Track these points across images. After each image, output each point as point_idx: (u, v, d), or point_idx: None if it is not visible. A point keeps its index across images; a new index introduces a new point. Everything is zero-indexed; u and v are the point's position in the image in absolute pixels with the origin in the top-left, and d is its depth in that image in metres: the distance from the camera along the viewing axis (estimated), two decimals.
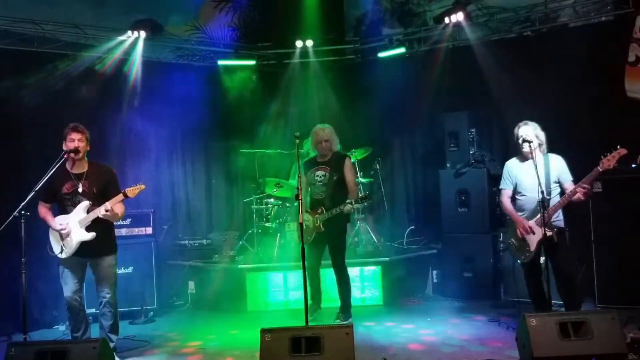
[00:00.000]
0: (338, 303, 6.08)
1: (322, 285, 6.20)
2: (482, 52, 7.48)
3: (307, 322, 4.49)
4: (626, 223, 5.72)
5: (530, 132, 4.99)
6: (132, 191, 4.82)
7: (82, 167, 4.92)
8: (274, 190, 7.38)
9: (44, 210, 4.92)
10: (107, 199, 4.83)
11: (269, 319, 6.15)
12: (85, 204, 4.84)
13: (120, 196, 4.82)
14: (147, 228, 6.75)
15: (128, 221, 6.61)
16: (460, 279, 6.96)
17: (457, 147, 7.24)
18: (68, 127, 4.85)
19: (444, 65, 7.87)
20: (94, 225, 4.83)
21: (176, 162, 8.37)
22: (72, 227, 4.81)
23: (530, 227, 4.93)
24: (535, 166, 4.81)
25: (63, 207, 4.90)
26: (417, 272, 7.28)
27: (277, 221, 7.25)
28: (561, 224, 5.00)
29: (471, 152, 7.14)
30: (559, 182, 5.00)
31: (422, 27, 8.30)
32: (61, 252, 4.85)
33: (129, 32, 7.25)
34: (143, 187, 4.88)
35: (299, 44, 8.18)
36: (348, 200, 5.79)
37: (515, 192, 5.17)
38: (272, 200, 7.41)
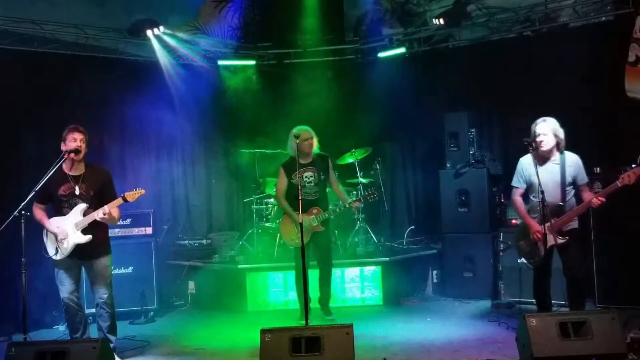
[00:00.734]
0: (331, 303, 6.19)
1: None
2: (482, 52, 7.47)
3: (307, 322, 4.49)
4: (626, 223, 5.72)
5: (547, 129, 4.82)
6: (131, 195, 4.81)
7: (80, 169, 4.91)
8: (274, 190, 7.38)
9: (39, 212, 4.90)
10: (104, 202, 4.82)
11: (269, 319, 6.14)
12: (82, 206, 4.82)
13: (119, 200, 4.81)
14: (147, 228, 6.74)
15: (128, 221, 6.60)
16: (460, 279, 6.96)
17: (457, 147, 7.23)
18: (68, 128, 4.84)
19: (444, 65, 7.88)
20: (90, 228, 4.82)
21: (176, 162, 8.36)
22: (68, 230, 4.80)
23: (542, 234, 4.76)
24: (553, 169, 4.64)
25: (59, 208, 4.87)
26: (417, 272, 7.28)
27: (277, 221, 7.23)
28: (575, 224, 4.90)
29: (471, 152, 7.14)
30: (574, 182, 4.87)
31: (422, 27, 8.30)
32: (56, 254, 4.84)
33: (148, 32, 7.25)
34: (143, 192, 4.86)
35: (299, 43, 8.18)
36: (354, 198, 5.99)
37: (528, 191, 5.01)
38: (272, 200, 7.42)
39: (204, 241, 7.94)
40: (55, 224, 4.82)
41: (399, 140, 8.58)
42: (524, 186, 5.03)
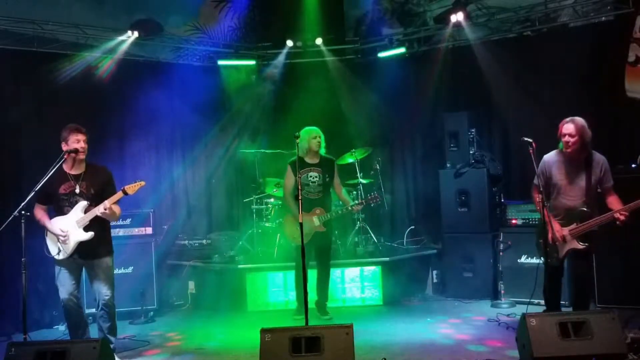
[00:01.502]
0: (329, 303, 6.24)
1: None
2: (482, 52, 7.48)
3: (307, 322, 4.49)
4: (626, 223, 5.70)
5: (574, 129, 4.68)
6: (131, 188, 4.79)
7: (81, 168, 4.91)
8: (274, 190, 7.39)
9: (40, 213, 4.89)
10: (104, 200, 4.82)
11: (269, 319, 6.14)
12: (82, 204, 4.82)
13: (119, 194, 4.80)
14: (147, 228, 6.74)
15: (128, 221, 6.60)
16: (460, 279, 6.97)
17: (457, 147, 7.23)
18: (69, 128, 4.83)
19: (444, 65, 7.88)
20: (92, 225, 4.82)
21: (176, 162, 8.37)
22: (70, 228, 4.80)
23: (564, 237, 4.75)
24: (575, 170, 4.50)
25: (60, 207, 4.87)
26: (417, 272, 7.28)
27: (277, 221, 7.25)
28: (594, 227, 4.79)
29: (471, 152, 7.14)
30: (599, 185, 4.77)
31: (422, 27, 8.30)
32: (58, 254, 4.83)
33: (129, 32, 7.24)
34: (143, 183, 4.85)
35: (298, 44, 8.18)
36: (357, 202, 6.17)
37: (551, 190, 4.88)
38: (272, 200, 7.42)
39: (204, 241, 7.94)
40: (56, 224, 4.82)
41: (399, 140, 8.58)
42: (543, 184, 4.89)
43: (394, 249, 7.62)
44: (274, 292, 6.84)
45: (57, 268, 4.90)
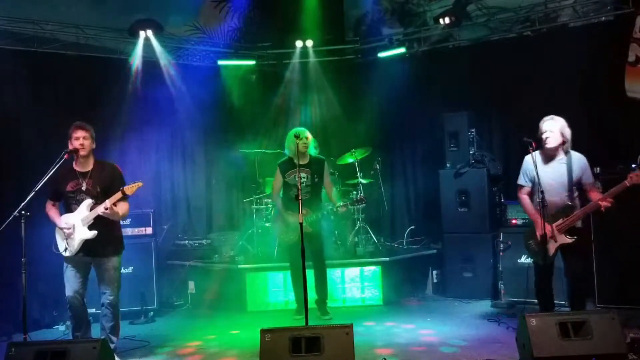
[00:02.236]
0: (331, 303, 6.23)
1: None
2: (482, 52, 7.47)
3: (307, 322, 4.49)
4: (626, 223, 5.71)
5: (554, 127, 4.80)
6: (129, 189, 4.77)
7: (88, 166, 4.91)
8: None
9: (51, 209, 4.92)
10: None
11: (269, 319, 6.15)
12: (88, 202, 4.82)
13: (118, 194, 4.77)
14: (147, 228, 6.74)
15: (128, 221, 6.58)
16: (460, 279, 6.97)
17: (457, 147, 7.23)
18: (73, 126, 4.84)
19: (444, 65, 7.88)
20: (97, 223, 4.81)
21: (176, 162, 8.37)
22: (75, 226, 4.80)
23: (552, 233, 4.77)
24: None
25: (68, 205, 4.89)
26: (417, 272, 7.28)
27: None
28: (579, 223, 4.87)
29: (471, 152, 7.14)
30: (580, 182, 4.83)
31: (422, 27, 8.30)
32: (65, 251, 4.84)
33: (141, 32, 7.27)
34: (140, 184, 4.83)
35: (298, 44, 8.18)
36: (342, 203, 6.10)
37: (535, 190, 4.94)
38: (272, 200, 7.41)
39: (204, 241, 7.94)
40: (64, 220, 4.83)
41: (399, 140, 8.59)
42: (530, 184, 5.00)
43: (394, 249, 7.63)
44: (274, 292, 6.84)
45: (64, 265, 4.90)
